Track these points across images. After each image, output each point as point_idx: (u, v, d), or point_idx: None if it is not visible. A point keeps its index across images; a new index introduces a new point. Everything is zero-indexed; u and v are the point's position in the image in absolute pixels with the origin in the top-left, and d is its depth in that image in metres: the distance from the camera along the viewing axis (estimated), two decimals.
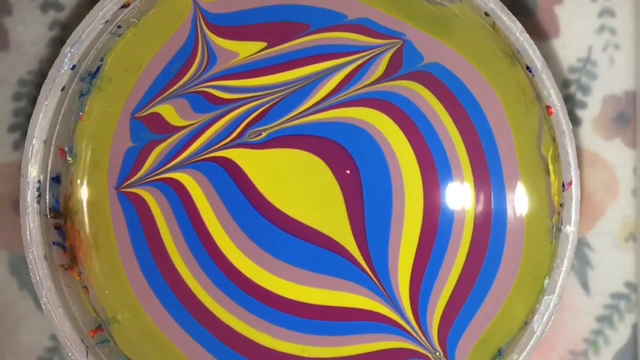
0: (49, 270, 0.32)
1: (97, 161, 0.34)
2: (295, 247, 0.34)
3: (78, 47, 0.32)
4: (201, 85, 0.34)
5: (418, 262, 0.34)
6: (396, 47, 0.34)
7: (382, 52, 0.34)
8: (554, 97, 0.32)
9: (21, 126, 0.37)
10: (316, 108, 0.34)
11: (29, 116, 0.34)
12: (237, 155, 0.34)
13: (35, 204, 0.33)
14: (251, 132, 0.34)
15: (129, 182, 0.34)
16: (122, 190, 0.34)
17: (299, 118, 0.34)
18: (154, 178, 0.34)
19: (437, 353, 0.34)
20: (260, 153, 0.34)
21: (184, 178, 0.34)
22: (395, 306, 0.34)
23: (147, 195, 0.34)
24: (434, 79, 0.34)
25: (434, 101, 0.34)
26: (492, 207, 0.34)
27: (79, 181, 0.34)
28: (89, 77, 0.34)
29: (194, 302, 0.34)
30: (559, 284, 0.32)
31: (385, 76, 0.34)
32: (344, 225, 0.34)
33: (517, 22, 0.32)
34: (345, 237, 0.34)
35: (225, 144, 0.34)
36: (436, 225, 0.34)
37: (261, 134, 0.34)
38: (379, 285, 0.34)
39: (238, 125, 0.34)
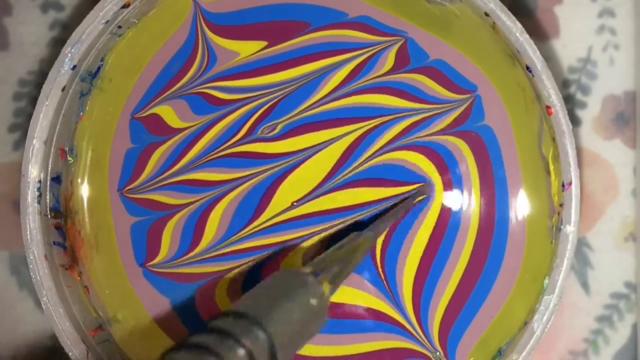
0: (49, 270, 0.32)
1: (98, 161, 0.34)
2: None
3: (78, 48, 0.32)
4: (201, 86, 0.34)
5: (422, 262, 0.34)
6: (400, 43, 0.34)
7: (386, 48, 0.34)
8: (554, 97, 0.32)
9: (21, 126, 0.37)
10: (330, 97, 0.34)
11: (29, 116, 0.34)
12: (255, 149, 0.34)
13: (36, 204, 0.33)
14: (263, 127, 0.34)
15: (132, 185, 0.34)
16: (127, 196, 0.34)
17: (313, 108, 0.34)
18: (163, 183, 0.34)
19: (438, 353, 0.34)
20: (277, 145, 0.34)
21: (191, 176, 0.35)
22: (398, 305, 0.34)
23: (155, 197, 0.34)
24: (441, 74, 0.34)
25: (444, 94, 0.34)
26: (495, 209, 0.34)
27: (79, 181, 0.34)
28: (90, 77, 0.34)
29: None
30: (559, 284, 0.32)
31: (395, 69, 0.34)
32: None
33: (517, 22, 0.32)
34: None
35: (232, 144, 0.34)
36: (444, 229, 0.34)
37: (275, 128, 0.34)
38: (384, 282, 0.34)
39: (244, 125, 0.34)
